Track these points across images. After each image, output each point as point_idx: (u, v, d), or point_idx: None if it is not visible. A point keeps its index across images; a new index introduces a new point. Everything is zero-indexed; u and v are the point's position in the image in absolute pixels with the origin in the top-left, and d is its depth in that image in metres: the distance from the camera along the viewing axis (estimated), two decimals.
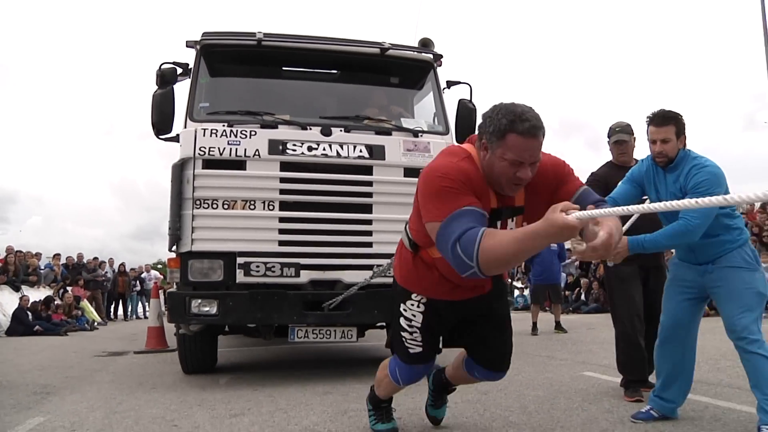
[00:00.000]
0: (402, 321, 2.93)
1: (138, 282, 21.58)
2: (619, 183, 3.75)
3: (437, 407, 3.52)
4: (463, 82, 6.40)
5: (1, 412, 4.53)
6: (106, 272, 19.79)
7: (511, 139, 2.30)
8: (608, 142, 4.50)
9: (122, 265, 20.84)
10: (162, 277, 20.18)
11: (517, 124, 2.28)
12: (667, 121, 3.40)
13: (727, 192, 3.30)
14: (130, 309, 21.45)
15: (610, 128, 4.51)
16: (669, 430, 3.38)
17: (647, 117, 3.48)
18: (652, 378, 4.24)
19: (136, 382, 5.85)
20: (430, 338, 2.96)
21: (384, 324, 6.03)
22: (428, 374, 3.41)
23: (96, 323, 16.42)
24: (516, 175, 2.35)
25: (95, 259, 19.94)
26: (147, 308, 21.76)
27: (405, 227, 2.89)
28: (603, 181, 4.27)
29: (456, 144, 2.71)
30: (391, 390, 3.29)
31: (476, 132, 2.53)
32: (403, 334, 2.94)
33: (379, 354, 6.74)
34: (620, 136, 4.42)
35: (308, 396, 4.76)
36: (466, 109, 6.30)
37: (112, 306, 20.53)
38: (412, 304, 2.90)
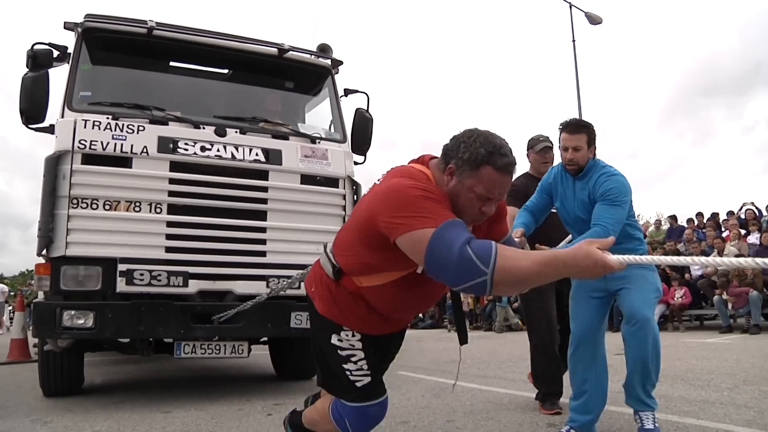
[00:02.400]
0: (339, 352, 2.44)
1: None
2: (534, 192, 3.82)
3: None
4: (360, 91, 6.29)
5: None
6: None
7: (486, 172, 2.11)
8: (531, 152, 4.55)
9: None
10: (8, 290, 18.39)
11: (496, 158, 2.10)
12: (579, 130, 3.48)
13: (630, 202, 3.40)
14: None
15: (533, 139, 4.56)
16: None
17: (560, 124, 3.55)
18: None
19: (13, 386, 5.84)
20: (376, 365, 2.49)
21: (267, 339, 5.90)
22: (284, 421, 2.97)
23: None
24: (481, 210, 2.17)
25: None
26: None
27: (325, 250, 2.48)
28: (523, 192, 4.30)
29: (406, 165, 2.38)
30: None
31: (441, 154, 2.25)
32: (345, 366, 2.43)
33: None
34: (547, 143, 4.49)
35: (182, 399, 5.19)
36: (363, 119, 6.20)
37: None
38: (347, 335, 2.44)
